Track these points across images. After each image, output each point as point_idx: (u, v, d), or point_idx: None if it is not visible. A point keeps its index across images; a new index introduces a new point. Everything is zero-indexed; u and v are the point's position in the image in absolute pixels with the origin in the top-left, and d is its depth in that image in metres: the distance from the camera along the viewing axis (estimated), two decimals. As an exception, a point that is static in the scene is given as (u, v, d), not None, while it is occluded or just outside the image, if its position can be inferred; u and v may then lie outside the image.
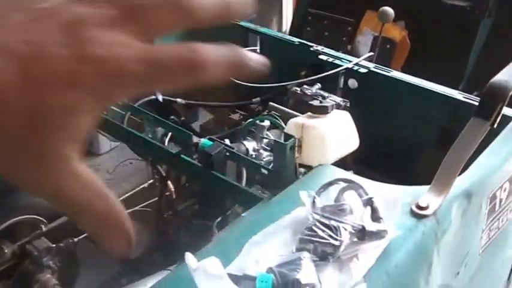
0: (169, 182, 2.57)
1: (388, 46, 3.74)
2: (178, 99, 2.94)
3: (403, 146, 2.80)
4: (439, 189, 1.81)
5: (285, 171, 2.11)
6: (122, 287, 2.29)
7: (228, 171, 2.37)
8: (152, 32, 0.67)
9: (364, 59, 2.86)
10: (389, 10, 3.19)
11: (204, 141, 2.33)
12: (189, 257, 1.46)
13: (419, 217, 1.76)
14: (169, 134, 2.62)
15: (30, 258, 2.51)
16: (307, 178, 2.04)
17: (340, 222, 1.58)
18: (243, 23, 3.20)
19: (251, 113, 2.95)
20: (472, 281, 2.11)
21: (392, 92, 2.79)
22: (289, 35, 3.75)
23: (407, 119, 2.79)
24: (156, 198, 2.65)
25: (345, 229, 1.56)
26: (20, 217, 2.61)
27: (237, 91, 3.17)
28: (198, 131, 2.91)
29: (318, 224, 1.57)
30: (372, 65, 2.84)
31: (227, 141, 2.41)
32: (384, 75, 2.78)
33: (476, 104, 2.49)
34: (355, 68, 2.83)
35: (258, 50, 3.19)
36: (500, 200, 2.13)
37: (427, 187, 1.83)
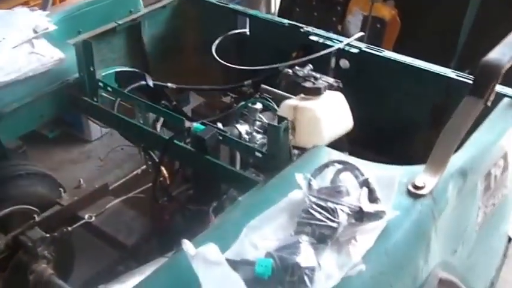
0: (162, 168, 2.55)
1: (378, 26, 3.72)
2: (169, 84, 2.92)
3: (397, 125, 2.79)
4: (435, 169, 1.81)
5: (279, 153, 2.11)
6: (119, 274, 2.28)
7: (222, 155, 2.36)
8: None
9: (355, 39, 2.84)
10: (379, -11, 3.18)
11: (196, 125, 2.32)
12: (186, 243, 1.45)
13: (416, 197, 1.76)
14: (161, 119, 2.61)
15: (24, 248, 2.48)
16: (302, 160, 2.03)
17: (337, 204, 1.57)
18: (231, 5, 3.18)
19: (242, 96, 2.93)
20: (470, 257, 2.12)
21: (384, 71, 2.78)
22: (278, 16, 3.73)
23: (400, 98, 2.78)
24: (150, 184, 2.63)
25: (342, 211, 1.56)
26: (11, 208, 2.59)
27: (228, 74, 3.16)
28: (189, 115, 2.89)
29: (315, 206, 1.57)
30: (363, 45, 2.83)
31: (219, 125, 2.40)
32: (376, 54, 2.77)
33: (469, 81, 2.50)
34: (347, 48, 2.82)
35: (248, 33, 3.16)
36: (495, 177, 2.13)
37: (422, 166, 1.83)
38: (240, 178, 2.25)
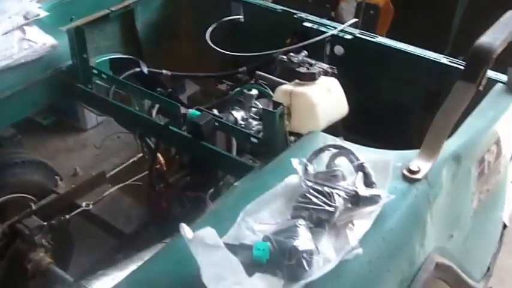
0: (159, 155, 2.56)
1: (372, 12, 3.71)
2: (164, 71, 2.93)
3: (390, 111, 2.81)
4: (429, 153, 1.82)
5: (275, 139, 2.11)
6: (118, 262, 2.28)
7: (218, 141, 2.36)
8: None
9: (349, 26, 2.85)
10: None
11: (192, 111, 2.32)
12: (184, 228, 1.46)
13: (411, 181, 1.77)
14: (157, 106, 2.61)
15: (22, 237, 2.48)
16: (298, 145, 2.04)
17: (334, 188, 1.58)
18: (225, -9, 3.18)
19: (238, 82, 2.93)
20: (466, 243, 2.13)
21: (378, 57, 2.78)
22: (272, 2, 3.72)
23: (394, 84, 2.79)
24: (147, 172, 2.63)
25: (339, 195, 1.57)
26: (7, 196, 2.60)
27: (222, 61, 3.16)
28: (185, 103, 2.89)
29: (311, 190, 1.57)
30: (357, 31, 2.84)
31: (215, 112, 2.40)
32: (370, 41, 2.78)
33: (462, 67, 2.51)
34: (341, 34, 2.82)
35: (242, 19, 3.16)
36: (489, 163, 2.14)
37: (416, 151, 1.84)
38: (236, 164, 2.26)
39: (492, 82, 2.29)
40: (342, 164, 1.70)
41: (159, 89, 2.78)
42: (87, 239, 2.88)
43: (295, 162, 1.67)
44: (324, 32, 2.81)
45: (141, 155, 2.94)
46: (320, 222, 1.53)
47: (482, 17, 2.90)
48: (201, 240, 1.40)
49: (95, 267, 2.31)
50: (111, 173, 3.02)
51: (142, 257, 2.04)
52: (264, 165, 2.00)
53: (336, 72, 2.48)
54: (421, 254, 1.73)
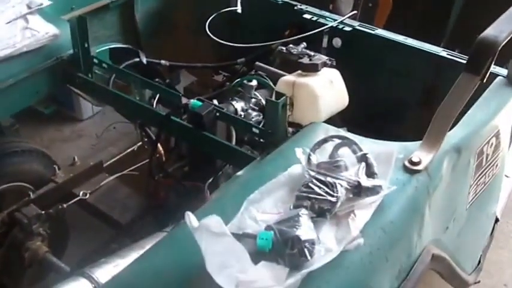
0: (158, 145, 2.56)
1: (370, 4, 3.73)
2: (162, 61, 2.93)
3: (388, 103, 2.81)
4: (431, 145, 1.83)
5: (277, 129, 2.11)
6: (113, 252, 2.28)
7: (218, 132, 2.37)
8: None
9: (348, 18, 2.85)
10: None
11: (193, 102, 2.33)
12: (189, 216, 1.46)
13: (412, 172, 1.78)
14: (157, 96, 2.61)
15: (20, 225, 2.49)
16: (300, 136, 2.04)
17: (336, 178, 1.58)
18: (223, -17, 3.18)
19: (235, 74, 2.94)
20: (460, 236, 2.14)
21: (377, 50, 2.80)
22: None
23: (391, 76, 2.80)
24: (145, 162, 2.64)
25: (341, 185, 1.57)
26: (6, 185, 2.60)
27: (220, 53, 3.16)
28: (182, 93, 2.89)
29: (314, 180, 1.58)
30: (356, 23, 2.85)
31: (215, 102, 2.40)
32: (369, 33, 2.79)
33: (460, 60, 2.53)
34: (340, 26, 2.83)
35: (239, 11, 3.16)
36: (487, 155, 2.15)
37: (418, 143, 1.85)
38: (237, 154, 2.26)
39: (493, 76, 2.29)
40: (345, 154, 1.71)
41: (157, 80, 2.79)
42: (82, 228, 2.88)
43: (298, 152, 1.68)
44: (323, 24, 2.82)
45: (138, 144, 2.94)
46: (322, 212, 1.54)
47: (479, 11, 2.92)
48: (207, 229, 1.40)
49: (90, 257, 2.32)
50: (108, 162, 3.02)
51: (143, 245, 2.05)
52: (265, 155, 2.01)
53: (334, 64, 2.48)
54: (418, 246, 1.74)
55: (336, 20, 2.84)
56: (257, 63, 2.63)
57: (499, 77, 2.33)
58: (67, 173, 2.75)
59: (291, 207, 1.56)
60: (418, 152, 1.82)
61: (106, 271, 2.03)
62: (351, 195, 1.59)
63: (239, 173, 1.96)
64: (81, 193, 2.67)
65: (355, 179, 1.60)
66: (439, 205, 1.87)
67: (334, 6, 3.82)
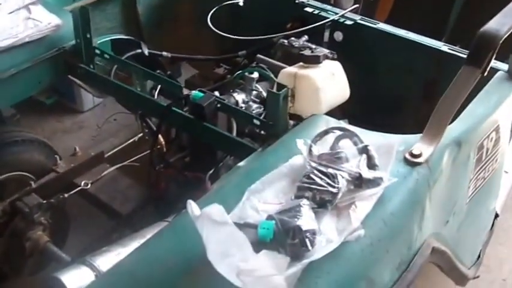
0: (159, 136, 2.57)
1: (371, -2, 3.75)
2: (164, 53, 2.93)
3: (389, 97, 2.82)
4: (431, 138, 1.83)
5: (278, 121, 2.12)
6: (113, 242, 2.29)
7: (219, 123, 2.37)
8: None
9: (350, 11, 2.86)
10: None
11: (195, 93, 2.33)
12: (191, 204, 1.46)
13: (413, 165, 1.79)
14: (159, 87, 2.62)
15: (21, 214, 2.50)
16: (301, 127, 2.05)
17: (337, 169, 1.59)
18: (226, -24, 3.18)
19: (236, 66, 2.94)
20: (459, 229, 2.14)
21: (378, 44, 2.80)
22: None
23: (392, 70, 2.80)
24: (146, 153, 2.64)
25: (342, 177, 1.58)
26: (7, 174, 2.61)
27: (221, 45, 3.17)
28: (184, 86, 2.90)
29: (315, 171, 1.59)
30: (357, 17, 2.85)
31: (216, 94, 2.41)
32: (370, 27, 2.79)
33: (461, 55, 2.53)
34: (341, 20, 2.83)
35: (242, 3, 3.16)
36: (487, 150, 2.16)
37: (419, 135, 1.86)
38: (237, 145, 2.27)
39: (493, 71, 2.30)
40: (346, 146, 1.72)
41: (158, 71, 2.79)
42: (83, 218, 2.89)
43: (299, 143, 1.69)
44: (325, 18, 2.83)
45: (139, 135, 2.95)
46: (323, 203, 1.55)
47: (480, 7, 2.92)
48: (209, 217, 1.41)
49: (91, 247, 2.33)
50: (110, 153, 3.02)
51: (144, 234, 2.06)
52: (266, 147, 2.02)
53: (335, 57, 2.49)
54: (418, 238, 1.75)
55: (338, 13, 2.84)
56: (258, 55, 2.64)
57: (500, 72, 2.34)
58: (68, 164, 2.75)
59: (292, 197, 1.58)
60: (419, 144, 1.83)
61: (108, 259, 2.03)
62: (352, 187, 1.60)
63: (240, 163, 1.97)
64: (82, 183, 2.67)
65: (356, 171, 1.61)
66: (440, 198, 1.88)
67: (335, 0, 3.83)
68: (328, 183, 1.56)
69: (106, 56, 2.67)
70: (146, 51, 2.86)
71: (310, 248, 1.43)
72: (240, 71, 2.56)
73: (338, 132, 1.76)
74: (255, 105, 2.46)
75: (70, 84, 3.45)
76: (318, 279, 1.44)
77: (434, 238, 1.84)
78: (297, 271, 1.38)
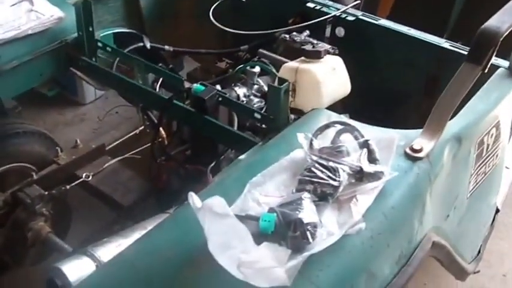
0: (160, 129, 2.58)
1: (373, -6, 3.75)
2: (166, 46, 2.94)
3: (389, 93, 2.83)
4: (432, 133, 1.85)
5: (279, 115, 2.13)
6: (115, 233, 2.30)
7: (220, 117, 2.38)
8: None
9: (351, 7, 2.87)
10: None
11: (196, 86, 2.34)
12: (193, 196, 1.47)
13: (414, 159, 1.80)
14: (160, 80, 2.63)
15: (23, 205, 2.51)
16: (302, 121, 2.06)
17: (338, 163, 1.60)
18: (228, -29, 3.18)
19: (238, 61, 2.95)
20: (460, 224, 2.16)
21: (379, 40, 2.81)
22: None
23: (393, 67, 2.81)
24: (147, 145, 2.65)
25: (343, 170, 1.59)
26: (9, 165, 2.61)
27: (223, 40, 3.17)
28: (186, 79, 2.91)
29: (316, 165, 1.60)
30: (359, 13, 2.86)
31: (218, 87, 2.42)
32: (372, 23, 2.80)
33: (463, 52, 2.54)
34: (343, 15, 2.84)
35: (244, -1, 3.18)
36: (488, 146, 2.17)
37: (419, 131, 1.87)
38: (238, 139, 2.28)
39: (494, 67, 2.31)
40: (347, 140, 1.73)
41: (160, 65, 2.80)
42: (85, 209, 2.90)
43: (300, 137, 1.70)
44: (327, 13, 2.83)
45: (141, 128, 2.96)
46: (324, 196, 1.56)
47: (482, 5, 2.93)
48: (210, 209, 1.42)
49: (92, 238, 2.33)
50: (111, 145, 3.03)
51: (145, 225, 2.07)
52: (267, 140, 2.02)
53: (337, 52, 2.49)
54: (419, 232, 1.76)
55: (339, 9, 2.85)
56: (260, 50, 2.65)
57: (500, 68, 2.35)
58: (69, 156, 2.75)
59: (294, 190, 1.59)
60: (420, 139, 1.84)
61: (108, 250, 2.04)
62: (353, 180, 1.61)
63: (241, 157, 1.97)
64: (83, 175, 2.68)
65: (357, 165, 1.62)
66: (440, 193, 1.89)
67: (337, -4, 3.84)
68: (329, 177, 1.57)
69: (108, 48, 2.69)
70: (148, 45, 2.87)
71: (311, 240, 1.44)
72: (242, 65, 2.57)
73: (339, 127, 1.77)
74: (256, 99, 2.47)
75: (72, 77, 3.46)
76: (318, 272, 1.45)
77: (434, 232, 1.85)
78: (297, 263, 1.38)
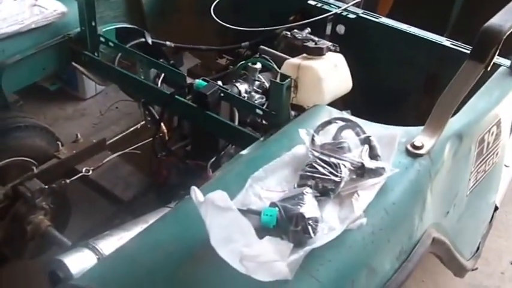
0: (162, 124, 2.58)
1: (374, -8, 3.75)
2: (168, 42, 2.94)
3: (390, 91, 2.83)
4: (433, 130, 1.85)
5: (280, 111, 2.14)
6: (116, 227, 2.30)
7: (222, 112, 2.39)
8: None
9: (352, 5, 2.87)
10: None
11: (198, 81, 2.35)
12: (195, 190, 1.47)
13: (415, 156, 1.80)
14: (162, 75, 2.64)
15: (23, 199, 2.51)
16: (304, 117, 2.07)
17: (340, 159, 1.61)
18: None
19: (239, 57, 2.96)
20: (459, 221, 2.16)
21: (380, 38, 2.81)
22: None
23: (394, 64, 2.81)
24: (148, 140, 2.66)
25: (345, 166, 1.60)
26: (9, 159, 2.62)
27: (224, 37, 3.18)
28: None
29: (318, 160, 1.60)
30: (360, 11, 2.86)
31: (219, 83, 2.43)
32: (373, 21, 2.80)
33: (463, 50, 2.55)
34: (344, 13, 2.85)
35: (246, -4, 3.18)
36: (488, 144, 2.17)
37: (420, 128, 1.87)
38: (239, 134, 2.29)
39: (496, 66, 2.32)
40: (348, 136, 1.74)
41: (161, 60, 2.80)
42: (85, 204, 2.91)
43: (302, 133, 1.70)
44: (328, 11, 2.84)
45: (141, 123, 2.96)
46: (326, 191, 1.56)
47: (482, 4, 2.94)
48: (212, 203, 1.42)
49: (92, 232, 2.34)
50: (111, 140, 3.03)
51: (147, 219, 2.07)
52: (269, 136, 2.03)
53: (338, 50, 2.50)
54: (419, 228, 1.77)
55: (340, 7, 2.86)
56: (261, 46, 2.65)
57: (502, 67, 2.36)
58: (70, 150, 2.76)
59: (295, 186, 1.59)
60: (421, 136, 1.84)
61: (110, 243, 2.04)
62: (354, 176, 1.62)
63: (243, 152, 1.98)
64: (84, 169, 2.68)
65: (358, 161, 1.62)
66: (441, 189, 1.89)
67: (338, -7, 3.84)
68: (330, 172, 1.58)
69: (111, 43, 2.69)
70: (150, 40, 2.88)
71: (312, 235, 1.45)
72: (243, 62, 2.57)
73: (340, 123, 1.77)
74: (257, 96, 2.47)
75: (73, 72, 3.47)
76: (319, 266, 1.45)
77: (434, 228, 1.86)
78: (299, 258, 1.39)
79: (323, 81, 2.21)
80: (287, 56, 2.49)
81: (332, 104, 2.25)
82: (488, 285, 3.10)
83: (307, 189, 1.54)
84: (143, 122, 2.90)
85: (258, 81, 2.52)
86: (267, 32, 2.81)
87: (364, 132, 1.73)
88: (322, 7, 2.89)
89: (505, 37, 1.83)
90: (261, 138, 2.10)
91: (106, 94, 4.07)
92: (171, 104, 2.45)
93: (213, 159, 2.37)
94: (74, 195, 2.74)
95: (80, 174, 2.67)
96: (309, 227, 1.44)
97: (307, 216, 1.45)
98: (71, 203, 2.75)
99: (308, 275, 1.43)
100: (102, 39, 2.69)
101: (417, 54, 2.73)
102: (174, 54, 3.10)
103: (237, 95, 2.39)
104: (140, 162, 2.82)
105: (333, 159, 1.61)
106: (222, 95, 2.31)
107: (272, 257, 1.37)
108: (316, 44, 2.43)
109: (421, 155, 1.80)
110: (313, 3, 2.94)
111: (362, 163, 1.62)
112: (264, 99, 2.45)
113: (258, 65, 2.51)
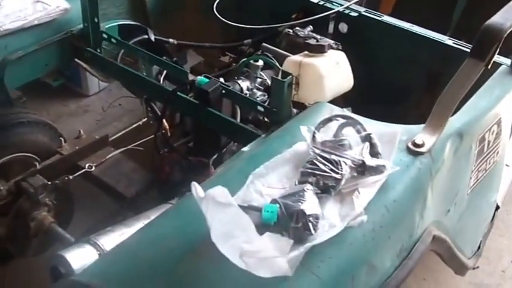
0: (164, 120, 2.59)
1: (376, -9, 3.75)
2: (171, 39, 2.95)
3: (391, 89, 2.84)
4: (434, 128, 1.85)
5: (281, 108, 2.15)
6: (118, 223, 2.31)
7: (223, 108, 2.40)
8: None
9: (354, 3, 2.88)
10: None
11: (200, 78, 2.36)
12: (196, 186, 1.48)
13: (415, 154, 1.81)
14: (164, 72, 2.64)
15: (26, 195, 2.52)
16: (305, 114, 2.07)
17: (341, 156, 1.62)
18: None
19: (241, 55, 2.96)
20: (460, 220, 2.17)
21: (382, 36, 2.82)
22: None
23: (396, 63, 2.81)
24: (150, 137, 2.67)
25: (346, 163, 1.60)
26: (12, 155, 2.62)
27: (227, 34, 3.18)
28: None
29: (319, 158, 1.61)
30: (362, 9, 2.87)
31: (222, 80, 2.43)
32: (375, 19, 2.81)
33: (465, 49, 2.55)
34: (346, 11, 2.85)
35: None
36: (489, 142, 2.18)
37: (421, 126, 1.88)
38: (241, 131, 2.30)
39: (496, 65, 2.32)
40: (349, 134, 1.74)
41: (164, 58, 2.81)
42: (87, 201, 2.91)
43: (303, 130, 1.71)
44: (330, 9, 2.84)
45: (144, 120, 2.97)
46: (326, 188, 1.57)
47: (484, 4, 2.94)
48: (213, 198, 1.42)
49: (95, 228, 2.34)
50: (114, 137, 3.04)
51: (148, 215, 2.08)
52: (270, 133, 2.04)
53: (340, 48, 2.51)
54: (420, 226, 1.77)
55: (343, 5, 2.86)
56: (264, 44, 2.66)
57: (503, 66, 2.36)
58: (73, 146, 2.77)
59: (296, 182, 1.60)
60: (422, 134, 1.85)
61: (111, 239, 2.04)
62: (355, 174, 1.62)
63: (244, 148, 1.99)
64: (86, 166, 2.69)
65: (359, 158, 1.63)
66: (441, 188, 1.90)
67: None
68: (331, 170, 1.58)
69: (113, 40, 2.70)
70: (153, 37, 2.88)
71: (313, 232, 1.46)
72: (245, 59, 2.58)
73: (341, 120, 1.78)
74: (259, 93, 2.48)
75: (76, 69, 3.47)
76: (320, 263, 1.46)
77: (435, 226, 1.86)
78: (299, 254, 1.39)
79: (324, 78, 2.22)
80: (289, 54, 2.49)
81: (333, 102, 2.25)
82: (489, 283, 3.11)
83: (308, 186, 1.54)
84: (146, 119, 2.91)
85: (259, 78, 2.53)
86: (269, 29, 2.82)
87: (365, 130, 1.74)
88: (324, 5, 2.90)
89: (505, 35, 1.84)
90: (263, 135, 2.11)
91: (109, 91, 4.07)
92: (173, 101, 2.46)
93: (215, 156, 2.37)
94: (76, 191, 2.74)
95: (83, 171, 2.68)
96: (310, 224, 1.45)
97: (307, 213, 1.46)
98: (74, 199, 2.76)
99: (308, 271, 1.44)
100: (104, 35, 2.70)
101: (419, 52, 2.73)
102: (177, 52, 3.11)
103: (238, 92, 2.39)
104: (143, 158, 2.83)
105: (333, 157, 1.61)
106: (223, 91, 2.32)
107: (272, 253, 1.38)
108: (318, 41, 2.44)
109: (421, 153, 1.81)
110: (315, 1, 2.94)
111: (363, 160, 1.62)
112: (266, 96, 2.46)
113: (260, 63, 2.52)
